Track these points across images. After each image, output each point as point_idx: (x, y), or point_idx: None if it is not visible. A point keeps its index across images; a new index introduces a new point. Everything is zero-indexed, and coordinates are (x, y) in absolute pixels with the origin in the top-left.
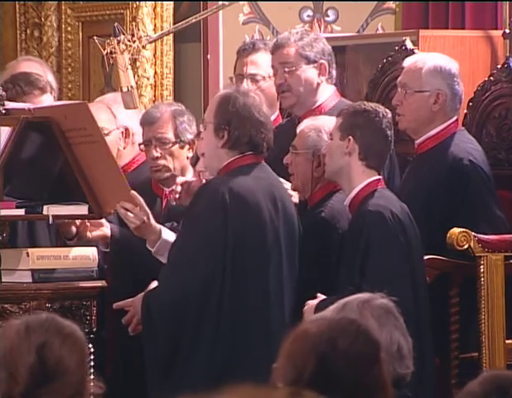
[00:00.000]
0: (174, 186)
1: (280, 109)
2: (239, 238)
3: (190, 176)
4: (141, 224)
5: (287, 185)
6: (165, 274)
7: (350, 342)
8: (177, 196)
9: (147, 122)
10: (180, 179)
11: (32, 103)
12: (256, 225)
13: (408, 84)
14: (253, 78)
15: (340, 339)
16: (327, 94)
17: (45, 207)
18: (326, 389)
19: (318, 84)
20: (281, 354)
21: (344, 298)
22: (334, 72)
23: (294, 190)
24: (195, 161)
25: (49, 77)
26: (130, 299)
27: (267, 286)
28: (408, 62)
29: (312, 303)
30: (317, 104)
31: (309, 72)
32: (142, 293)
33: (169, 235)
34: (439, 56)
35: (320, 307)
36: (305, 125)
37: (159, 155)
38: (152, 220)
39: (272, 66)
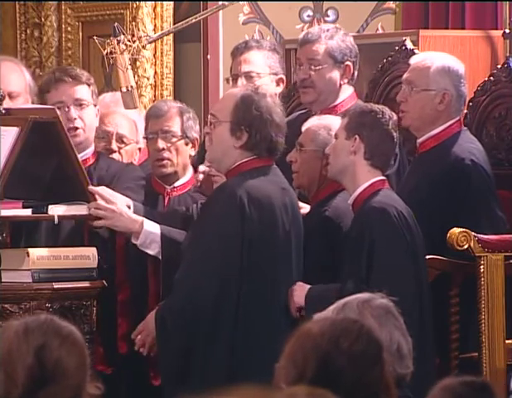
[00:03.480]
0: (197, 174)
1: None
2: (254, 241)
3: (190, 174)
4: (113, 215)
5: (304, 209)
6: (180, 277)
7: (352, 341)
8: (198, 184)
9: (154, 115)
10: (201, 167)
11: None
12: (270, 230)
13: (414, 82)
14: (248, 75)
15: (342, 338)
16: (346, 94)
17: (50, 207)
18: (327, 388)
19: (340, 85)
20: (283, 354)
21: (344, 298)
22: (356, 73)
23: (297, 188)
24: (196, 160)
25: (27, 77)
26: (141, 324)
27: (279, 288)
28: (415, 60)
29: (304, 285)
30: (335, 104)
31: (334, 72)
32: (152, 313)
33: (152, 227)
34: (447, 56)
35: (311, 293)
36: (312, 123)
37: (165, 147)
38: (126, 209)
39: (298, 59)
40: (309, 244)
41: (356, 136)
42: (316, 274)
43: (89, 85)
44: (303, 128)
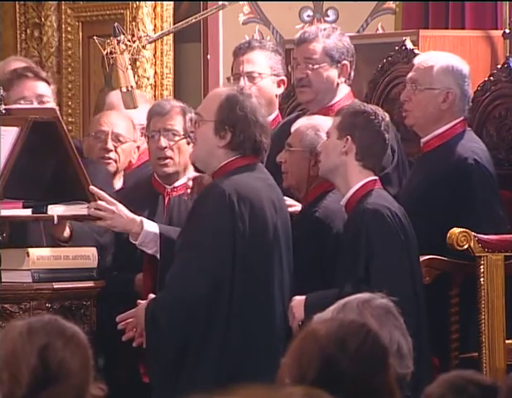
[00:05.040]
0: (186, 181)
1: (280, 107)
2: (245, 239)
3: (190, 175)
4: (113, 216)
5: (296, 207)
6: (173, 276)
7: (358, 344)
8: (189, 191)
9: (157, 113)
10: (191, 174)
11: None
12: (261, 226)
13: (418, 81)
14: (250, 75)
15: (348, 341)
16: (342, 94)
17: (49, 207)
18: (329, 391)
19: (338, 85)
20: (289, 351)
21: (344, 298)
22: (352, 73)
23: (287, 188)
24: None
25: None
26: (132, 311)
27: (271, 285)
28: (419, 59)
29: (300, 298)
30: (331, 103)
31: (331, 72)
32: (143, 304)
33: (151, 226)
34: (451, 56)
35: (309, 301)
36: (301, 124)
37: (167, 145)
38: (125, 210)
39: (294, 58)
40: (300, 245)
41: (348, 136)
42: (308, 275)
43: (49, 84)
44: (292, 129)
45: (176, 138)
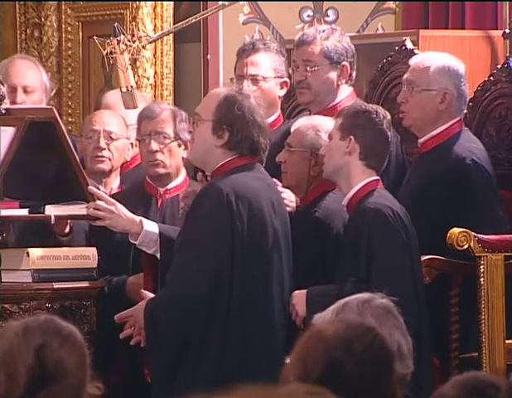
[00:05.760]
0: (182, 197)
1: (281, 107)
2: (244, 239)
3: (183, 177)
4: (112, 215)
5: (286, 193)
6: (172, 276)
7: (364, 348)
8: (182, 210)
9: (147, 116)
10: (187, 190)
11: None
12: (259, 227)
13: (415, 82)
14: (254, 78)
15: (355, 344)
16: (344, 94)
17: (46, 207)
18: (333, 391)
19: (338, 86)
20: (294, 351)
21: (344, 298)
22: (354, 73)
23: (286, 188)
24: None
25: (43, 76)
26: (130, 309)
27: (270, 285)
28: (415, 60)
29: (301, 292)
30: (333, 103)
31: (330, 73)
32: (142, 303)
33: (151, 226)
34: (447, 56)
35: (310, 296)
36: (301, 124)
37: (158, 149)
38: (124, 210)
39: (294, 61)
40: (300, 245)
41: (351, 136)
42: (308, 275)
43: (2, 84)
44: (292, 129)
45: (167, 141)
